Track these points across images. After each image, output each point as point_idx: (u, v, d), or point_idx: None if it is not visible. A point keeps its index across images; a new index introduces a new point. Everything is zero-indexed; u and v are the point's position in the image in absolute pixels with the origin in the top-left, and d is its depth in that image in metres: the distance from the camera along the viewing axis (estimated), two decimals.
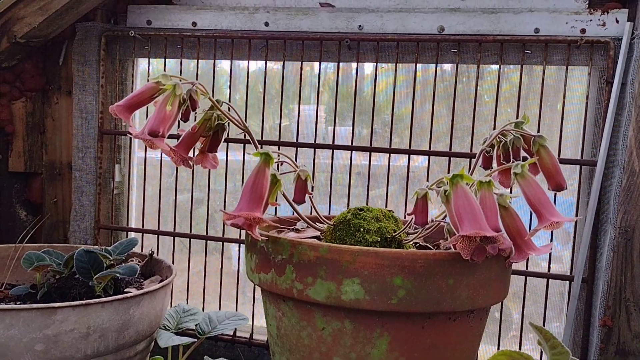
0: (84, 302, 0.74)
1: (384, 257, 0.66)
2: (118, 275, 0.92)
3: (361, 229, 0.78)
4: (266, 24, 1.13)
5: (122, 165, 1.27)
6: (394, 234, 0.79)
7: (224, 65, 1.22)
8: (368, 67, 1.15)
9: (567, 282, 1.01)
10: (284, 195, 0.75)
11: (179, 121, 0.84)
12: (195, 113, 0.83)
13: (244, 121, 0.81)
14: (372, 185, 1.11)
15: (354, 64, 1.09)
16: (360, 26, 1.07)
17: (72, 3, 1.11)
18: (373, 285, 0.66)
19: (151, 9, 1.20)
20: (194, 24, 1.17)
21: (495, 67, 1.05)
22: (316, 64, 1.13)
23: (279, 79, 1.13)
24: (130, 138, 1.25)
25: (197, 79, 1.01)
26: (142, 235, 1.23)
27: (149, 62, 1.21)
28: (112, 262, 0.95)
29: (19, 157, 1.24)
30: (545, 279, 1.02)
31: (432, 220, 0.77)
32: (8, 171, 1.25)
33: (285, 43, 1.11)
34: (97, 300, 0.75)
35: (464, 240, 0.65)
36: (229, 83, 1.17)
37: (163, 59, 1.19)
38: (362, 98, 1.15)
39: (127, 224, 1.27)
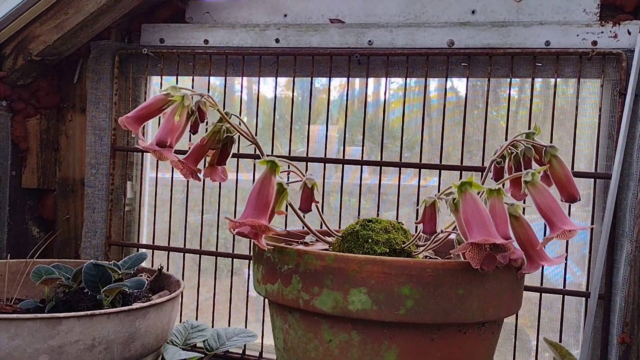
0: (89, 312, 0.73)
1: (392, 266, 0.65)
2: (126, 289, 0.92)
3: (369, 240, 0.77)
4: (277, 41, 1.14)
5: (134, 182, 1.28)
6: (403, 246, 0.78)
7: (242, 94, 1.22)
8: (378, 84, 1.15)
9: (584, 298, 0.98)
10: (290, 205, 0.74)
11: (190, 136, 0.85)
12: (206, 125, 0.83)
13: (253, 135, 0.81)
14: (383, 206, 1.10)
15: (365, 80, 1.09)
16: (370, 41, 1.08)
17: (87, 21, 1.13)
18: (380, 295, 0.65)
19: (164, 28, 1.21)
20: (206, 41, 1.19)
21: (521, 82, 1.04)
22: (330, 87, 1.13)
23: (296, 103, 1.13)
24: (142, 155, 1.26)
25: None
26: (153, 252, 1.23)
27: (161, 79, 1.22)
28: (120, 276, 0.95)
29: (32, 174, 1.26)
30: (561, 296, 0.99)
31: (442, 231, 0.76)
32: (21, 187, 1.26)
33: (296, 59, 1.11)
34: (102, 311, 0.74)
35: (473, 249, 0.64)
36: (240, 103, 1.17)
37: (175, 76, 1.20)
38: (373, 114, 1.14)
39: (138, 241, 1.27)
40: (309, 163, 1.11)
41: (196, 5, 1.23)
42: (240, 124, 0.84)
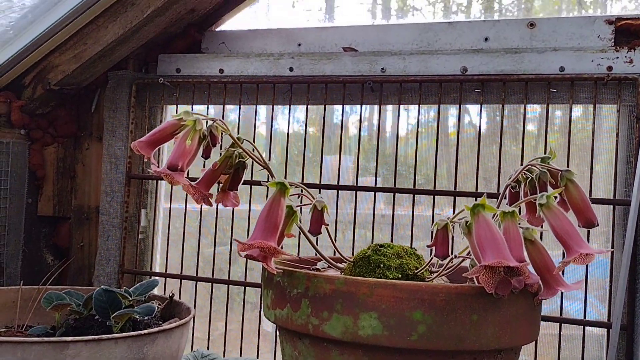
0: (96, 337, 0.72)
1: (403, 289, 0.63)
2: (136, 315, 0.91)
3: (381, 265, 0.76)
4: (291, 69, 1.15)
5: (148, 210, 1.28)
6: (415, 271, 0.76)
7: (261, 129, 1.24)
8: (396, 114, 1.14)
9: (605, 329, 0.95)
10: (300, 228, 0.73)
11: (204, 163, 0.85)
12: (221, 149, 0.83)
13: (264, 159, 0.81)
14: (397, 237, 1.08)
15: (378, 107, 1.09)
16: (382, 69, 1.08)
17: (105, 52, 1.15)
18: (391, 320, 0.63)
19: (181, 58, 1.23)
20: (221, 70, 1.20)
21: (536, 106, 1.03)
22: (344, 117, 1.13)
23: (315, 137, 1.13)
24: (157, 183, 1.27)
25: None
26: (165, 280, 1.22)
27: (176, 108, 1.24)
28: (131, 303, 0.94)
29: (48, 202, 1.27)
30: (582, 326, 0.96)
31: (456, 257, 0.74)
32: (37, 215, 1.27)
33: (309, 87, 1.12)
34: (110, 335, 0.73)
35: (487, 272, 0.62)
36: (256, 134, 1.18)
37: (191, 105, 1.22)
38: (390, 145, 1.14)
39: (151, 269, 1.26)
40: (321, 190, 1.10)
41: (212, 35, 1.25)
42: (253, 149, 0.84)
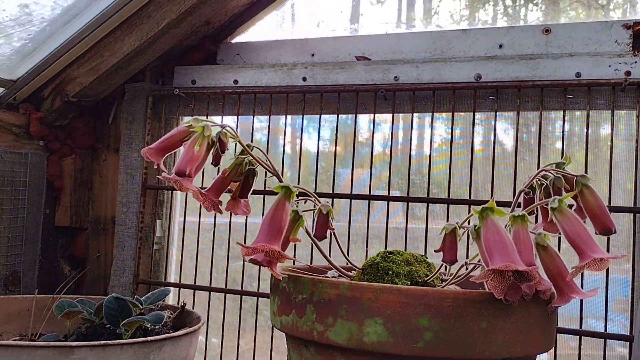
0: (102, 342, 0.72)
1: (409, 294, 0.62)
2: (146, 323, 0.90)
3: (390, 272, 0.74)
4: (304, 79, 1.15)
5: (164, 220, 1.28)
6: (425, 279, 0.74)
7: (285, 149, 1.23)
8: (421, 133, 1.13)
9: (628, 342, 0.91)
10: (307, 231, 0.72)
11: (218, 170, 0.84)
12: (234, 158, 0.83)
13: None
14: (412, 250, 1.06)
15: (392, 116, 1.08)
16: (395, 77, 1.07)
17: (122, 63, 1.17)
18: (397, 327, 0.61)
19: (196, 69, 1.24)
20: (236, 81, 1.21)
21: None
22: (356, 126, 1.12)
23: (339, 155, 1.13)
24: (172, 193, 1.27)
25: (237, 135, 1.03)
26: (179, 290, 1.22)
27: None
28: (142, 311, 0.94)
29: (65, 212, 1.28)
30: (603, 340, 0.92)
31: (467, 264, 0.72)
32: (54, 225, 1.28)
33: (322, 96, 1.12)
34: (115, 341, 0.73)
35: (495, 277, 0.60)
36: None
37: (205, 116, 1.22)
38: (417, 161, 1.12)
39: (165, 279, 1.26)
40: (334, 199, 1.09)
41: (227, 47, 1.26)
42: (266, 159, 0.84)
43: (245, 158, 0.84)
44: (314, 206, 0.78)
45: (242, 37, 1.28)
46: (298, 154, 1.15)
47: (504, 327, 0.63)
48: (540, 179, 0.78)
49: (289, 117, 1.17)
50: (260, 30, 1.27)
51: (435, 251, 0.69)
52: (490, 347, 0.62)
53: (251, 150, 0.83)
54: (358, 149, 1.11)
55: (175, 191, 1.27)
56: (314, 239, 0.72)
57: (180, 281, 1.22)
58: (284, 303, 0.70)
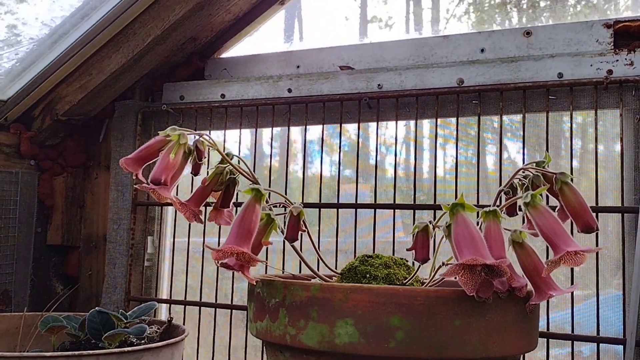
0: (76, 352, 0.71)
1: (379, 294, 0.60)
2: (130, 337, 0.89)
3: (367, 275, 0.73)
4: (289, 90, 1.15)
5: (155, 237, 1.28)
6: (404, 282, 0.73)
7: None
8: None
9: (621, 346, 0.88)
10: (282, 230, 0.72)
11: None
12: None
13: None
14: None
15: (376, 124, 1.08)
16: (379, 85, 1.07)
17: (109, 81, 1.18)
18: (368, 327, 0.60)
19: (184, 85, 1.25)
20: (223, 95, 1.21)
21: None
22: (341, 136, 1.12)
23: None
24: (161, 209, 1.27)
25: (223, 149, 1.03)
26: (170, 306, 1.21)
27: None
28: (126, 325, 0.93)
29: (57, 231, 1.28)
30: (595, 344, 0.90)
31: (444, 264, 0.71)
32: (46, 244, 1.28)
33: (307, 106, 1.12)
34: (91, 352, 0.72)
35: (466, 272, 0.59)
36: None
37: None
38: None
39: (156, 295, 1.26)
40: (321, 209, 1.09)
41: (214, 63, 1.27)
42: (239, 162, 0.84)
43: (225, 167, 0.84)
44: (285, 209, 0.78)
45: (229, 52, 1.29)
46: (285, 167, 1.15)
47: (479, 325, 0.61)
48: (521, 178, 0.77)
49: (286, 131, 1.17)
50: (246, 46, 1.29)
51: (407, 250, 0.68)
52: (465, 346, 0.60)
53: (231, 159, 0.83)
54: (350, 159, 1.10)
55: (165, 207, 1.27)
56: (299, 252, 0.71)
57: (170, 297, 1.21)
58: (258, 308, 0.69)
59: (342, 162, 1.10)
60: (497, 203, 0.75)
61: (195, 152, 0.82)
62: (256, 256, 0.66)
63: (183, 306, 1.18)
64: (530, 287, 0.65)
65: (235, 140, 1.20)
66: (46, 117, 1.22)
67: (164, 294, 1.28)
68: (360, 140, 1.08)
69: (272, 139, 1.16)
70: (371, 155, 1.14)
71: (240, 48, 1.29)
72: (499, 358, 0.64)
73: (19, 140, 1.22)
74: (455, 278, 0.59)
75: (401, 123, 1.10)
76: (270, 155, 1.15)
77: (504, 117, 0.98)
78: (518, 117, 1.00)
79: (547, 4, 1.08)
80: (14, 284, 1.21)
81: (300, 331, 0.63)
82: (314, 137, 1.19)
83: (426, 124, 1.13)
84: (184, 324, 1.16)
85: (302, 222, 0.71)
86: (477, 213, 0.65)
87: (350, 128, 1.15)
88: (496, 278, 0.59)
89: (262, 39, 1.29)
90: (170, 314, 1.21)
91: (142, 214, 1.26)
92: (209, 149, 0.83)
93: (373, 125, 1.09)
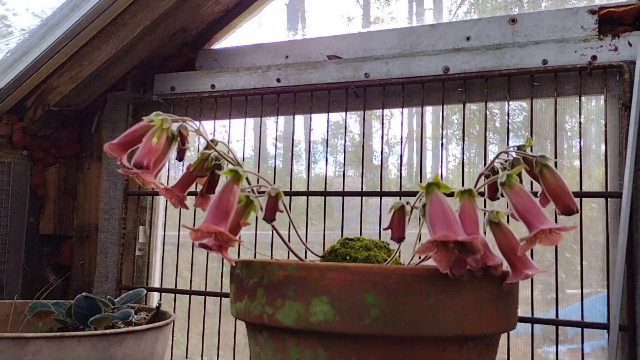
0: (58, 334, 0.72)
1: (354, 272, 0.61)
2: (117, 322, 0.90)
3: (347, 257, 0.74)
4: (278, 80, 1.16)
5: (146, 226, 1.29)
6: (384, 263, 0.73)
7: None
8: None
9: (606, 330, 0.88)
10: (276, 231, 0.73)
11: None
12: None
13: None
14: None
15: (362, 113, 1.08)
16: (366, 74, 1.08)
17: (99, 71, 1.19)
18: (343, 305, 0.61)
19: (175, 76, 1.26)
20: (213, 86, 1.22)
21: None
22: (329, 123, 1.13)
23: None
24: (153, 198, 1.28)
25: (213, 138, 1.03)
26: (161, 295, 1.22)
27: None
28: (112, 310, 0.94)
29: (49, 220, 1.29)
30: (580, 328, 0.90)
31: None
32: (39, 234, 1.29)
33: (295, 96, 1.12)
34: (72, 333, 0.73)
35: (440, 250, 0.59)
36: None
37: None
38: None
39: (147, 284, 1.26)
40: (310, 197, 1.09)
41: (205, 54, 1.28)
42: (228, 152, 0.84)
43: (211, 153, 0.84)
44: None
45: (220, 43, 1.30)
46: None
47: (454, 303, 0.61)
48: (503, 162, 0.78)
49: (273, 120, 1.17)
50: (237, 37, 1.29)
51: (384, 229, 0.69)
52: (440, 323, 0.61)
53: (216, 145, 0.84)
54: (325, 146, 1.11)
55: (157, 196, 1.28)
56: (284, 239, 0.72)
57: (161, 285, 1.22)
58: (238, 289, 0.70)
59: (339, 158, 1.11)
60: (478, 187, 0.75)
61: (179, 137, 0.83)
62: (234, 237, 0.66)
63: (173, 294, 1.19)
64: (508, 267, 0.65)
65: (238, 140, 1.20)
66: (38, 108, 1.23)
67: (155, 283, 1.28)
68: (358, 136, 1.08)
69: (260, 128, 1.16)
70: (375, 156, 1.14)
71: (231, 39, 1.30)
72: (475, 336, 0.64)
73: (12, 131, 1.23)
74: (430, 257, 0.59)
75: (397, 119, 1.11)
76: (275, 157, 1.15)
77: (491, 104, 0.99)
78: (517, 107, 1.00)
79: None
80: (6, 273, 1.22)
81: (277, 310, 0.64)
82: (317, 138, 1.20)
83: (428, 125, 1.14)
84: (174, 312, 1.17)
85: (279, 203, 0.71)
86: (453, 193, 0.65)
87: (355, 128, 1.16)
88: (470, 255, 0.59)
89: (253, 31, 1.29)
90: (160, 302, 1.22)
91: (134, 203, 1.27)
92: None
93: (377, 125, 1.09)
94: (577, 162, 0.93)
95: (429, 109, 1.25)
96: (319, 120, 1.15)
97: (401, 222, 0.67)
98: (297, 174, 1.22)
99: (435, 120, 1.14)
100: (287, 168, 1.19)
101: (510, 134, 1.02)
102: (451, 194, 0.65)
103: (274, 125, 1.15)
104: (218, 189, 0.69)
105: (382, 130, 1.06)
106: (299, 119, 1.21)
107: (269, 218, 0.70)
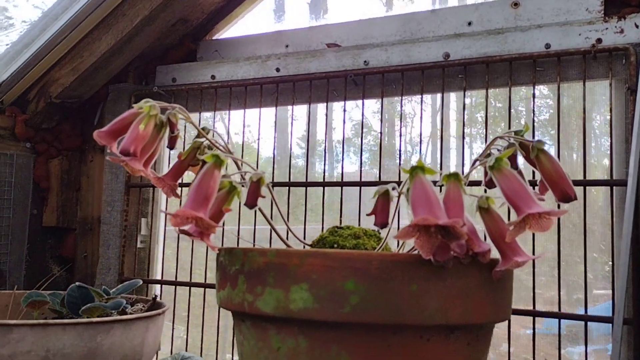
0: (42, 322, 0.71)
1: (334, 258, 0.59)
2: (111, 312, 0.90)
3: (335, 246, 0.72)
4: (277, 70, 1.14)
5: (148, 218, 1.29)
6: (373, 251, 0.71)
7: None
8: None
9: (610, 324, 0.85)
10: (268, 220, 0.71)
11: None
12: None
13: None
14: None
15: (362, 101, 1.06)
16: (365, 62, 1.05)
17: (100, 62, 1.19)
18: (322, 291, 0.59)
19: (176, 67, 1.25)
20: (213, 76, 1.21)
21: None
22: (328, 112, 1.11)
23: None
24: (153, 190, 1.27)
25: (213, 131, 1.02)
26: (161, 287, 1.21)
27: None
28: (105, 300, 0.94)
29: (52, 213, 1.30)
30: (583, 322, 0.87)
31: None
32: (42, 226, 1.30)
33: (295, 85, 1.10)
34: (57, 321, 0.72)
35: (422, 235, 0.57)
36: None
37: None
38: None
39: (149, 276, 1.26)
40: (309, 188, 1.07)
41: (206, 45, 1.27)
42: (228, 143, 0.83)
43: (203, 142, 0.83)
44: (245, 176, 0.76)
45: (221, 34, 1.29)
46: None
47: (438, 291, 0.59)
48: (499, 148, 0.75)
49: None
50: (238, 27, 1.28)
51: (367, 215, 0.66)
52: (423, 311, 0.58)
53: (207, 133, 0.82)
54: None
55: (158, 188, 1.27)
56: (275, 229, 0.70)
57: (162, 278, 1.21)
58: (221, 277, 0.69)
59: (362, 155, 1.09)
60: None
61: (168, 125, 0.81)
62: (216, 223, 0.65)
63: (174, 286, 1.18)
64: (498, 254, 0.62)
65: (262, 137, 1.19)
66: (40, 100, 1.24)
67: (157, 275, 1.28)
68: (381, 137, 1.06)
69: (260, 117, 1.15)
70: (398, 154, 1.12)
71: (232, 30, 1.29)
72: (462, 325, 0.62)
73: (14, 123, 1.24)
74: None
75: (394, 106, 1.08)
76: (290, 156, 1.13)
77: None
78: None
79: None
80: (9, 264, 1.22)
81: (257, 297, 0.62)
82: (339, 136, 1.18)
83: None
84: (174, 304, 1.16)
85: (262, 189, 0.69)
86: (440, 174, 0.63)
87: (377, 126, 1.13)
88: (453, 241, 0.57)
89: (253, 21, 1.28)
90: (161, 294, 1.22)
91: (136, 195, 1.27)
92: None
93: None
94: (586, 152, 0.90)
95: (453, 108, 1.23)
96: (339, 116, 1.13)
97: (385, 207, 0.65)
98: (319, 173, 1.20)
99: (459, 119, 1.11)
100: (311, 167, 1.18)
101: (537, 132, 0.98)
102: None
103: (296, 124, 1.14)
104: (199, 174, 0.68)
105: (401, 123, 1.04)
106: (321, 118, 1.19)
107: (251, 203, 0.68)
